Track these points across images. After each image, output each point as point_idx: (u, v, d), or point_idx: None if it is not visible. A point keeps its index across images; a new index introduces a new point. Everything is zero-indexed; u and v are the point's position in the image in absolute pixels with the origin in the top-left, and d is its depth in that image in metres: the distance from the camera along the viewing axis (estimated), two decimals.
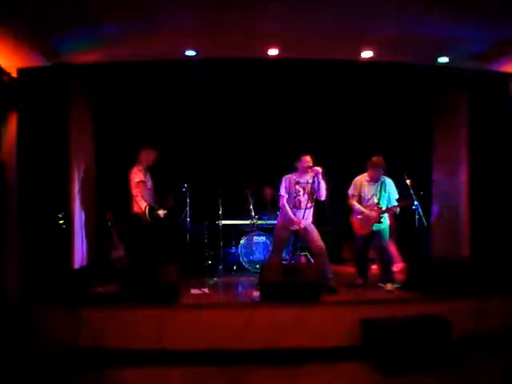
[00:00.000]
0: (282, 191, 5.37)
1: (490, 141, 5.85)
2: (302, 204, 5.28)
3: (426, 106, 6.83)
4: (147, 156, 5.88)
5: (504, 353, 4.31)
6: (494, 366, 4.08)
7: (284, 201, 5.34)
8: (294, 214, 5.29)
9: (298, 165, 5.36)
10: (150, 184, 5.90)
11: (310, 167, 5.24)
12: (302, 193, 5.32)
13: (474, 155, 6.10)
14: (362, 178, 5.54)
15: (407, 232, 6.31)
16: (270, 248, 6.36)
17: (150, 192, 5.89)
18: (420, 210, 5.41)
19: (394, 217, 6.00)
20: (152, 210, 5.71)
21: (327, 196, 5.36)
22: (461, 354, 4.16)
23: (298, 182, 5.35)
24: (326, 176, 5.33)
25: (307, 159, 5.30)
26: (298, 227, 5.25)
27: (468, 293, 4.73)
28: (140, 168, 5.80)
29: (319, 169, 5.19)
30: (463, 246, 6.28)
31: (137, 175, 5.73)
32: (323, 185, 5.26)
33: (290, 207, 5.32)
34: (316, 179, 5.20)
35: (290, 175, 5.41)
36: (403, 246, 6.65)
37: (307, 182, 5.31)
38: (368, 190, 5.49)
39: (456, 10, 4.31)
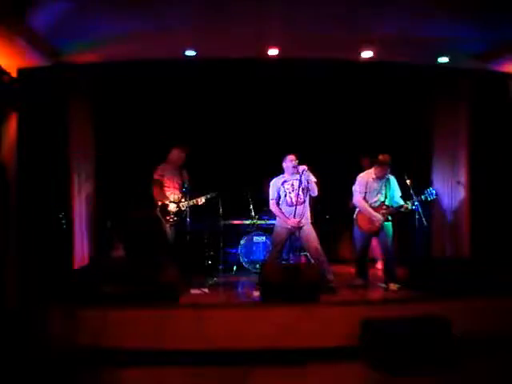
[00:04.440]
0: (271, 195, 5.44)
1: (490, 141, 5.85)
2: (293, 200, 5.28)
3: (426, 105, 6.82)
4: (174, 155, 5.97)
5: (504, 353, 4.31)
6: (493, 366, 4.07)
7: (274, 205, 5.41)
8: (287, 212, 5.32)
9: (284, 165, 5.42)
10: (175, 183, 5.95)
11: (295, 166, 5.27)
12: (290, 190, 5.36)
13: (474, 155, 6.10)
14: (368, 175, 5.54)
15: (407, 232, 6.31)
16: (270, 248, 6.35)
17: (175, 190, 5.93)
18: (420, 209, 5.41)
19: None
20: (164, 208, 5.81)
21: (320, 192, 5.35)
22: (461, 353, 4.16)
23: (285, 181, 5.40)
24: (321, 174, 5.38)
25: (291, 158, 5.35)
26: (294, 225, 5.24)
27: (468, 293, 4.72)
28: (162, 167, 5.89)
29: (304, 167, 5.19)
30: (463, 245, 6.29)
31: (154, 174, 5.85)
32: (313, 180, 5.27)
33: (283, 206, 5.38)
34: (304, 177, 5.21)
35: (275, 178, 5.46)
36: (403, 246, 6.64)
37: (295, 179, 5.32)
38: (374, 187, 5.48)
39: (456, 10, 4.32)
